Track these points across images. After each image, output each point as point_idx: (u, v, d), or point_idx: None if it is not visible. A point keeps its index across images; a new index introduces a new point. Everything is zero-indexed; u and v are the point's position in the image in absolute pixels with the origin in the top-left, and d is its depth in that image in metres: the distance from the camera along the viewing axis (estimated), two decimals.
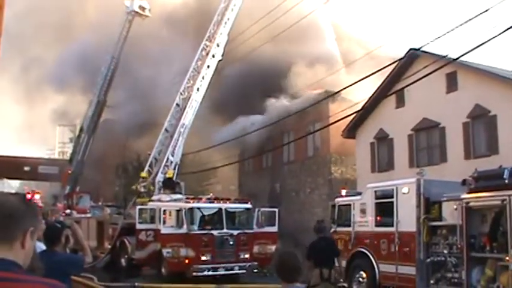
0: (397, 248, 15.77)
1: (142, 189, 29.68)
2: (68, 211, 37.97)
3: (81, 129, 45.94)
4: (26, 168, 52.72)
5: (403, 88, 25.61)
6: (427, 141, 29.57)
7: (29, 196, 31.39)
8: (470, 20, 17.15)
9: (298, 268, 5.33)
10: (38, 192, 42.74)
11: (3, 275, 2.39)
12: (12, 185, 64.25)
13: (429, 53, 25.06)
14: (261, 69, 41.65)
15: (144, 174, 30.63)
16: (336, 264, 13.91)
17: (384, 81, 30.68)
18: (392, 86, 29.79)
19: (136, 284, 19.56)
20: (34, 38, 52.56)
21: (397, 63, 27.94)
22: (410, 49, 28.21)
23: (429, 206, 15.22)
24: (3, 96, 41.72)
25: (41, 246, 6.34)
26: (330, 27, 44.15)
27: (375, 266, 16.51)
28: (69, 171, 44.58)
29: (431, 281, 14.82)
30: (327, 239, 14.47)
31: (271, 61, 41.28)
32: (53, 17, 51.67)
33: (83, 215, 33.33)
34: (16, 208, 2.54)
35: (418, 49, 24.45)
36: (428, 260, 14.89)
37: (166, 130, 31.11)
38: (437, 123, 28.38)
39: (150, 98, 43.43)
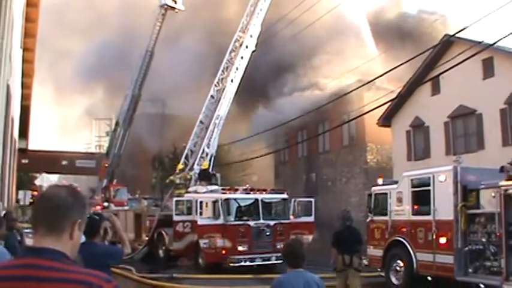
0: (434, 237, 15.61)
1: (178, 181, 29.86)
2: (105, 204, 38.44)
3: (117, 123, 46.33)
4: (64, 163, 53.45)
5: (439, 75, 25.32)
6: (464, 128, 29.25)
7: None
8: (506, 4, 16.92)
9: (303, 255, 6.03)
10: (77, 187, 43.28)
11: (51, 264, 2.45)
12: (51, 179, 65.22)
13: (465, 39, 24.76)
14: (294, 57, 41.73)
15: (181, 166, 30.82)
16: (368, 252, 14.33)
17: (419, 68, 30.42)
18: (428, 73, 29.51)
19: (174, 274, 19.83)
20: (62, 34, 53.33)
21: (431, 50, 27.67)
22: (445, 35, 27.88)
23: (467, 193, 15.06)
24: (39, 92, 42.39)
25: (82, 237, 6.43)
26: (364, 15, 43.77)
27: (412, 255, 16.37)
28: (106, 165, 45.02)
29: (470, 270, 14.67)
30: (351, 228, 14.68)
31: (301, 50, 41.32)
32: (81, 14, 52.47)
33: (120, 208, 33.72)
34: (64, 200, 2.60)
35: (453, 35, 24.15)
36: (467, 248, 14.74)
37: (201, 122, 31.22)
38: (474, 110, 28.05)
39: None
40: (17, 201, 34.16)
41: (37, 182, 62.01)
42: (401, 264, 16.91)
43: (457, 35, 23.27)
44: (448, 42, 27.83)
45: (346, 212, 15.58)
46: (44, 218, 2.58)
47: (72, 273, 2.45)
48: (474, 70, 26.70)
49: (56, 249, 2.51)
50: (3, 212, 10.18)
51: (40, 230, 2.57)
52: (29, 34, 17.59)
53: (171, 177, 30.81)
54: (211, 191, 25.46)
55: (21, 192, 41.94)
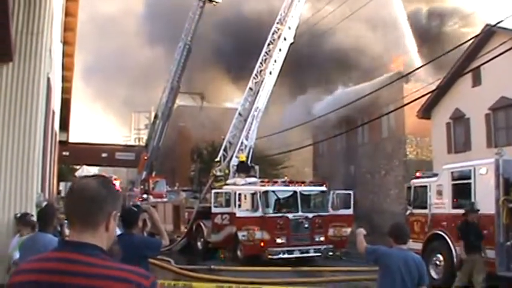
0: None
1: (218, 173, 29.89)
2: (144, 196, 38.78)
3: (156, 116, 46.70)
4: (104, 155, 53.86)
5: (480, 66, 24.90)
6: (506, 120, 28.71)
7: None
8: None
9: (408, 234, 7.11)
10: (116, 179, 43.72)
11: (89, 260, 2.43)
12: (91, 171, 66.06)
13: (507, 28, 24.29)
14: (332, 50, 41.56)
15: (217, 159, 30.88)
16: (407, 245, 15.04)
17: (459, 59, 29.96)
18: (468, 64, 29.04)
19: (212, 266, 19.88)
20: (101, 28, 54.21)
21: (472, 40, 27.22)
22: (487, 25, 27.40)
23: (509, 187, 14.78)
24: (79, 85, 43.12)
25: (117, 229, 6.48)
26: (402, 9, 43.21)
27: (452, 249, 16.16)
28: (145, 157, 45.42)
29: None
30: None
31: (339, 43, 41.19)
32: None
33: (159, 200, 33.98)
34: (98, 192, 2.55)
35: (495, 25, 23.73)
36: (509, 243, 14.47)
37: (239, 114, 31.21)
38: None
39: None
40: (59, 192, 34.62)
41: (77, 174, 62.85)
42: (441, 258, 16.68)
43: (498, 25, 22.85)
44: (489, 32, 27.31)
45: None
46: (79, 211, 2.54)
47: (110, 270, 2.42)
48: None
49: (94, 243, 2.49)
50: (45, 203, 10.31)
51: (76, 224, 2.54)
52: (68, 28, 17.77)
53: (212, 172, 30.78)
54: (250, 183, 25.50)
55: (62, 184, 42.59)
